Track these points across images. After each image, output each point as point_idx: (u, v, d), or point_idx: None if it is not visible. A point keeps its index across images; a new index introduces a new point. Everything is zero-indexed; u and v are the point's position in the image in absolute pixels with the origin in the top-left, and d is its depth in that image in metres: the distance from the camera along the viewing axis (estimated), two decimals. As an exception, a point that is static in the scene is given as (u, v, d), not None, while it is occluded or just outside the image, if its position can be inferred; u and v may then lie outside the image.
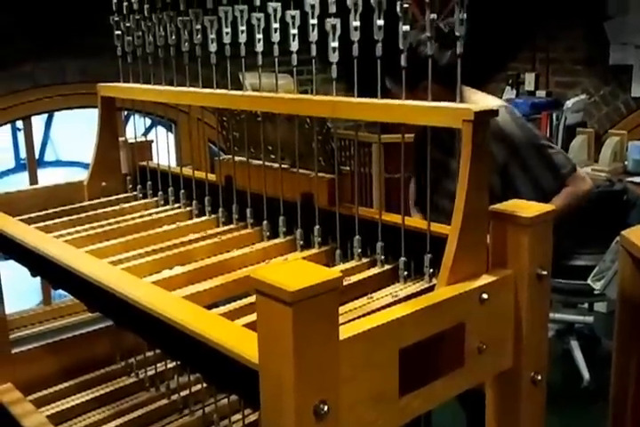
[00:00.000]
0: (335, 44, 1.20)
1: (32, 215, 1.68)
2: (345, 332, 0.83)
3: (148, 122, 3.51)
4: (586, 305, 3.91)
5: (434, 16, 1.14)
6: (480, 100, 2.21)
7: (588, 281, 2.56)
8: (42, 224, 1.61)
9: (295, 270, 0.82)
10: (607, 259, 2.41)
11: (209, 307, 1.12)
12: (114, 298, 1.08)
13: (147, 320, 1.01)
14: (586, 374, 3.35)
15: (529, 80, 4.70)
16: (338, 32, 1.19)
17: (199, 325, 0.93)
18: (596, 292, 2.60)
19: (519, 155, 2.13)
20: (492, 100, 2.27)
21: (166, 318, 0.96)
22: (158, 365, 1.81)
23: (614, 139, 4.21)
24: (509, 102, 4.44)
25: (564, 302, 3.53)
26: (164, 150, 1.79)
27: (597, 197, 3.03)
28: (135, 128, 1.85)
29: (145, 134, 2.35)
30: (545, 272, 1.08)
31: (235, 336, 0.89)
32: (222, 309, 1.13)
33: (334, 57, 1.21)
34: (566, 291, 3.15)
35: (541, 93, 4.65)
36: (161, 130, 1.82)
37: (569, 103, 4.34)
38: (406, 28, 1.14)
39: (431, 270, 1.14)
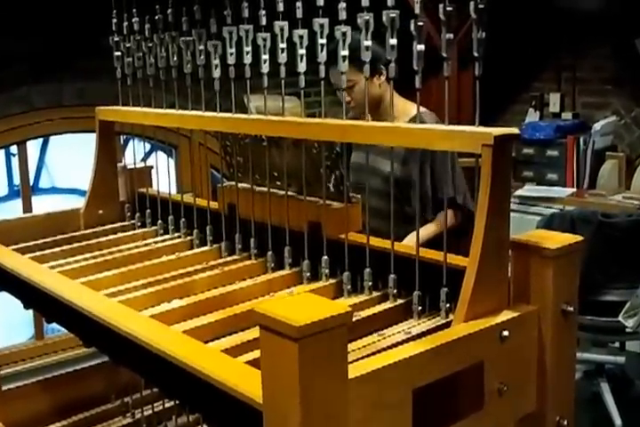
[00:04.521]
0: (345, 52, 1.21)
1: (25, 245, 1.69)
2: (354, 370, 0.83)
3: (148, 147, 3.54)
4: (617, 344, 3.86)
5: (450, 36, 1.15)
6: (400, 105, 2.51)
7: (620, 318, 2.53)
8: (36, 254, 1.62)
9: (301, 304, 0.83)
10: (640, 294, 2.39)
11: (209, 341, 1.13)
12: (109, 332, 1.09)
13: (144, 356, 1.01)
14: (617, 420, 3.29)
15: (554, 101, 4.70)
16: (348, 40, 1.21)
17: (199, 361, 0.93)
18: (628, 330, 2.58)
19: (435, 157, 2.43)
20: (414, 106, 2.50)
21: (164, 354, 0.97)
22: (155, 404, 1.81)
23: (647, 164, 4.20)
24: (532, 125, 4.49)
25: (593, 340, 3.49)
26: (165, 177, 1.81)
27: (629, 227, 3.01)
28: (135, 153, 1.87)
29: (144, 160, 2.38)
30: (571, 308, 1.08)
31: (237, 374, 0.89)
32: (224, 343, 1.13)
33: (344, 66, 1.23)
34: (595, 328, 3.10)
35: (567, 115, 4.64)
36: (161, 155, 1.84)
37: (597, 126, 4.33)
38: (421, 47, 1.16)
39: (447, 305, 1.14)
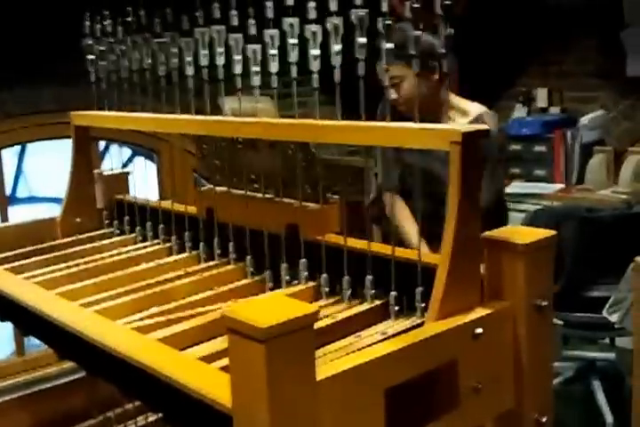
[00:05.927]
0: (316, 51, 1.23)
1: (1, 255, 1.69)
2: (323, 371, 0.85)
3: (130, 152, 3.54)
4: (607, 340, 3.87)
5: (418, 33, 1.16)
6: (462, 103, 2.51)
7: (604, 313, 2.53)
8: (12, 265, 1.62)
9: (270, 306, 0.84)
10: (623, 288, 2.39)
11: (187, 348, 1.14)
12: (82, 342, 1.09)
13: (116, 365, 1.02)
14: (609, 418, 3.29)
15: (541, 96, 4.72)
16: (319, 39, 1.22)
17: (170, 368, 0.94)
18: (616, 326, 2.58)
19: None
20: (478, 106, 2.50)
21: (134, 361, 0.98)
22: (139, 418, 1.81)
23: (635, 157, 4.21)
24: (518, 121, 4.51)
25: (582, 337, 3.49)
26: (146, 183, 1.81)
27: (614, 221, 3.02)
28: (111, 159, 1.87)
29: (124, 166, 2.38)
30: (545, 303, 1.09)
31: (208, 379, 0.90)
32: (201, 350, 1.14)
33: (315, 65, 1.24)
34: (584, 325, 3.11)
35: (555, 110, 4.67)
36: (143, 161, 1.85)
37: (585, 120, 4.35)
38: (390, 45, 1.17)
39: (423, 305, 1.15)
